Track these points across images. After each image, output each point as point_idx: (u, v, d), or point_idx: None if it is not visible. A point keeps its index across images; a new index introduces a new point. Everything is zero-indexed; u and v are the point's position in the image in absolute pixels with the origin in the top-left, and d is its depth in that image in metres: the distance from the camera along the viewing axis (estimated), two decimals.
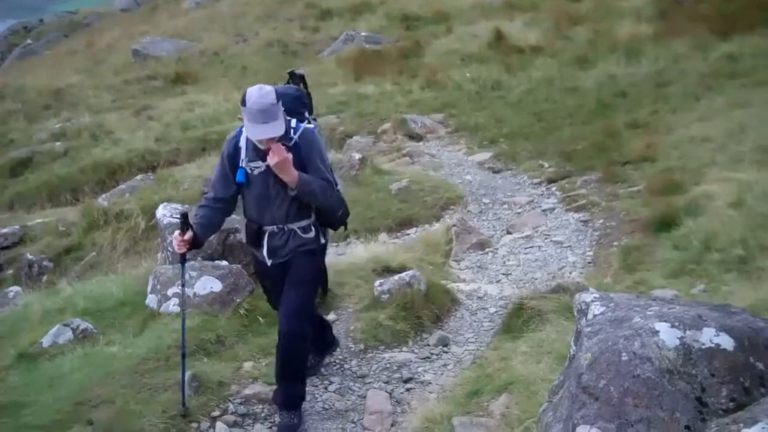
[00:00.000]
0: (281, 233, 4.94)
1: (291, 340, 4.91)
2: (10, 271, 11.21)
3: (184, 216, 4.82)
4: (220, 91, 19.31)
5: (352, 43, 22.05)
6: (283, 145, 4.68)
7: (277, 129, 4.61)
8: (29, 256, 11.14)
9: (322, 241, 5.08)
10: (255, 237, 4.99)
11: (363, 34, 22.70)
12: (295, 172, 4.67)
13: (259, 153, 4.78)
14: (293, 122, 4.84)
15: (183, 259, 5.04)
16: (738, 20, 14.01)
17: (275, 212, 4.88)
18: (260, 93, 4.55)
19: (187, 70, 23.68)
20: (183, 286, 5.37)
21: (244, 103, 4.57)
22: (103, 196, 13.65)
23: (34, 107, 22.24)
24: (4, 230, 12.09)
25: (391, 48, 20.91)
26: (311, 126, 5.01)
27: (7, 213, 14.22)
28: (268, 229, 4.94)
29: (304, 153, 4.79)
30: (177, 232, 4.82)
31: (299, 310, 4.93)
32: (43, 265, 10.98)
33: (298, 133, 4.81)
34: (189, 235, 4.79)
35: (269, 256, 4.99)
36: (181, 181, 12.45)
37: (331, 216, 5.05)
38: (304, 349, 5.08)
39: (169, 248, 6.54)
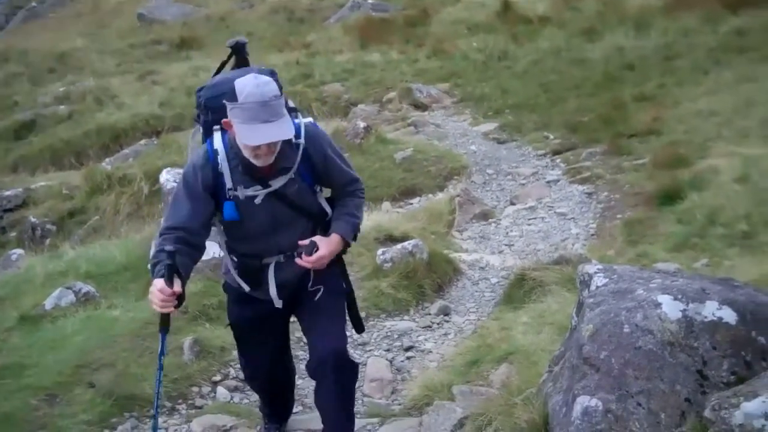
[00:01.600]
0: (290, 261, 3.68)
1: (346, 374, 3.77)
2: (14, 234, 11.24)
3: (172, 256, 3.30)
4: (225, 57, 19.17)
5: (359, 11, 21.92)
6: (283, 149, 3.45)
7: (286, 129, 3.33)
8: (32, 219, 11.16)
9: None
10: (254, 274, 3.75)
11: (370, 1, 22.55)
12: (339, 242, 3.66)
13: (254, 174, 3.50)
14: None
15: (167, 325, 3.50)
16: None
17: (283, 241, 3.66)
18: (257, 81, 3.30)
19: (192, 35, 23.56)
20: (160, 371, 3.58)
21: (232, 97, 3.31)
22: (107, 160, 13.66)
23: (39, 70, 22.18)
24: (8, 193, 12.11)
25: (397, 16, 20.79)
26: (309, 119, 3.68)
27: (10, 176, 14.22)
28: (273, 260, 3.71)
29: (316, 157, 3.58)
30: (160, 282, 3.26)
31: (345, 342, 3.88)
32: (46, 228, 11.00)
33: (302, 134, 3.53)
34: (178, 285, 3.31)
35: (280, 295, 3.74)
36: (184, 146, 12.38)
37: None
38: (356, 381, 4.01)
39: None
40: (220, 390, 5.18)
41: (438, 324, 6.21)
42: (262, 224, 3.59)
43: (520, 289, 6.07)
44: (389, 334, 6.00)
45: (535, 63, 14.57)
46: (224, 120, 3.41)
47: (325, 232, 3.70)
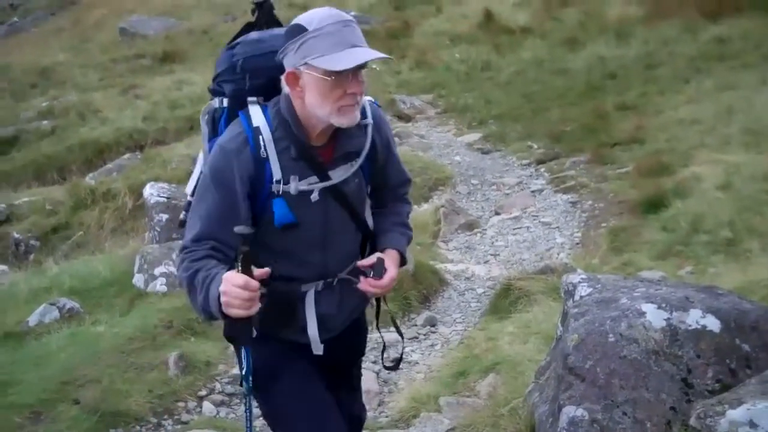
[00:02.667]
0: (330, 290, 2.80)
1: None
2: None
3: (246, 243, 2.36)
4: (208, 70, 19.14)
5: None
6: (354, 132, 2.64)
7: (380, 52, 2.48)
8: (16, 235, 11.08)
9: None
10: (286, 309, 2.72)
11: (352, 13, 22.58)
12: (399, 261, 2.88)
13: (313, 159, 2.60)
14: None
15: (249, 333, 2.55)
16: (727, 2, 13.97)
17: (330, 259, 2.75)
18: (328, 7, 2.52)
19: (175, 48, 23.48)
20: (249, 406, 2.79)
21: (301, 29, 2.47)
22: (91, 175, 13.57)
23: (21, 85, 22.05)
24: None
25: (380, 28, 20.76)
26: (370, 97, 2.78)
27: None
28: (311, 287, 2.75)
29: (381, 146, 2.75)
30: (236, 276, 2.36)
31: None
32: (30, 244, 10.92)
33: (369, 113, 2.70)
34: (263, 271, 2.42)
35: (321, 337, 2.78)
36: (168, 161, 12.37)
37: None
38: None
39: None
40: (206, 405, 5.16)
41: (424, 335, 6.20)
42: (313, 233, 2.66)
43: (505, 299, 6.08)
44: (376, 345, 5.98)
45: (517, 73, 14.61)
46: (288, 71, 2.52)
47: (364, 250, 2.91)
